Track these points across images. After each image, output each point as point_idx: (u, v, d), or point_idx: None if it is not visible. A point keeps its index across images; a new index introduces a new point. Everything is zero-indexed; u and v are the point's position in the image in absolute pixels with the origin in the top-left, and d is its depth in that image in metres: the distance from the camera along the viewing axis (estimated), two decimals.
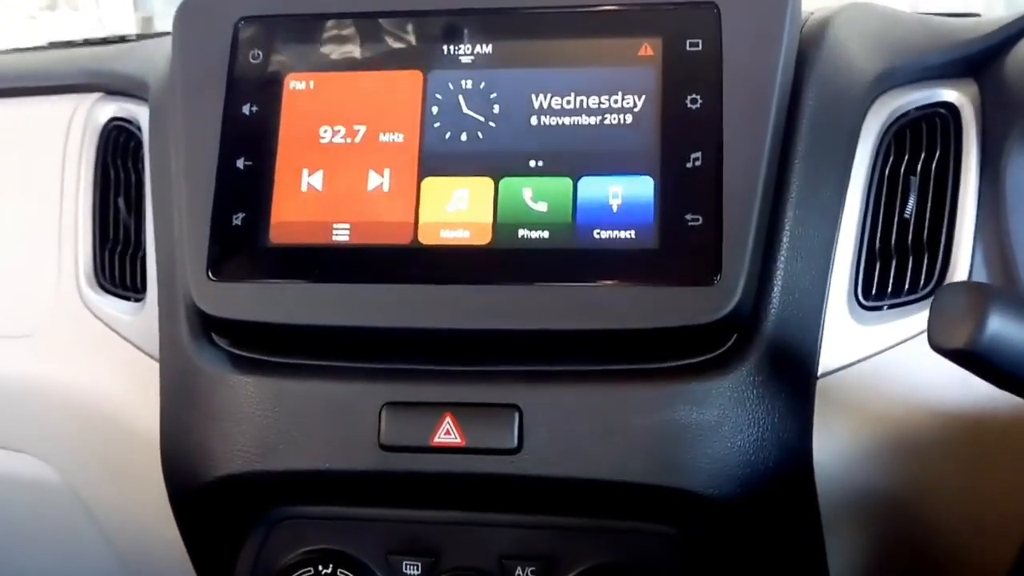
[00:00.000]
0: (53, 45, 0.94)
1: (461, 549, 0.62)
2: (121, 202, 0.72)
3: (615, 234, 0.59)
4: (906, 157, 0.64)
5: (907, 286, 0.61)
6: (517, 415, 0.58)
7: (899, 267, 0.62)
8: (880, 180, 0.63)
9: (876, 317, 0.61)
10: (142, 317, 0.67)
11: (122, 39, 0.89)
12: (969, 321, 0.46)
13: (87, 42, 0.91)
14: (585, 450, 0.57)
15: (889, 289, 0.61)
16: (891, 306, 0.61)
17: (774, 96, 0.59)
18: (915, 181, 0.63)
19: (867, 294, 0.61)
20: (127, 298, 0.70)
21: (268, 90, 0.64)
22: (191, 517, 0.66)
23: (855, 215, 0.62)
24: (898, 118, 0.65)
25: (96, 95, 0.76)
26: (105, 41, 0.89)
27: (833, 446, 0.59)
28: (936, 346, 0.47)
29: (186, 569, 0.68)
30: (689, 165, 0.58)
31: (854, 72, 0.64)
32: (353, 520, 0.64)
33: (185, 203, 0.63)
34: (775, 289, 0.58)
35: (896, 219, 0.63)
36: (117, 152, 0.73)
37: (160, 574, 0.71)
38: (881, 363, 0.60)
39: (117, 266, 0.71)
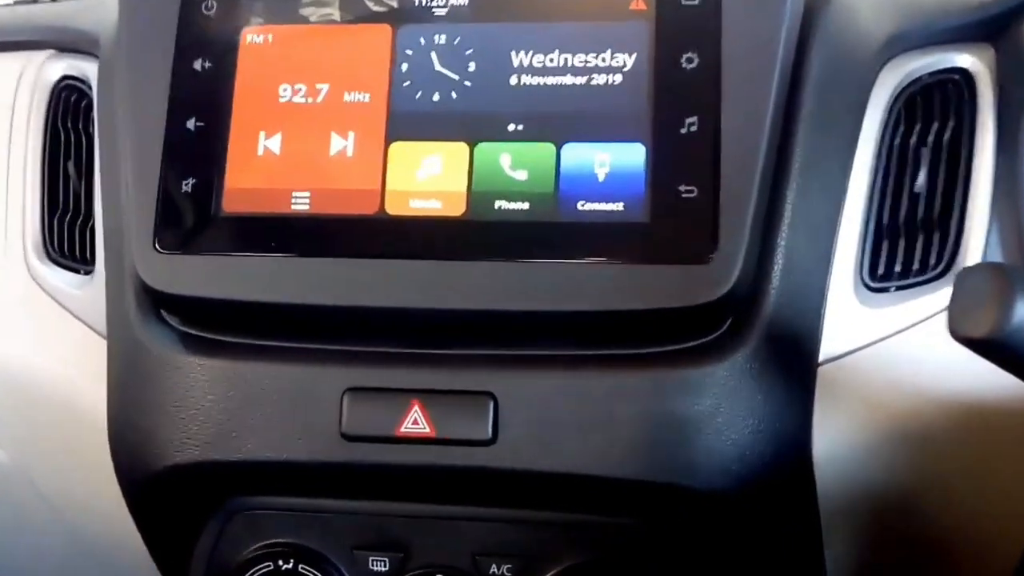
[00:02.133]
0: (18, 1, 0.89)
1: (432, 544, 0.59)
2: (71, 167, 0.68)
3: (601, 206, 0.55)
4: (917, 127, 0.60)
5: (916, 266, 0.58)
6: (491, 403, 0.54)
7: (908, 246, 0.58)
8: (889, 151, 0.60)
9: (883, 299, 0.57)
10: (91, 291, 0.64)
11: None
12: (994, 307, 0.42)
13: None
14: (565, 442, 0.54)
15: (897, 269, 0.58)
16: (899, 288, 0.58)
17: (777, 57, 0.55)
18: (926, 153, 0.60)
19: (873, 274, 0.58)
20: (77, 271, 0.66)
21: (222, 44, 0.59)
22: (143, 507, 0.62)
23: (862, 189, 0.59)
24: (909, 85, 0.61)
25: (47, 52, 0.72)
26: None
27: (834, 438, 0.56)
28: (958, 335, 0.44)
29: (146, 558, 0.65)
30: (683, 131, 0.55)
31: (863, 34, 0.60)
32: (316, 512, 0.60)
33: (131, 168, 0.59)
34: (775, 268, 0.55)
35: (906, 194, 0.59)
36: (68, 113, 0.69)
37: (122, 565, 0.68)
38: (887, 349, 0.56)
39: (67, 236, 0.67)
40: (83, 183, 0.67)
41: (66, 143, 0.69)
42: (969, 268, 0.45)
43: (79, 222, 0.67)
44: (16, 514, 0.71)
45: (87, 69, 0.69)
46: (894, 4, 0.62)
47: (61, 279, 0.65)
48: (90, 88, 0.69)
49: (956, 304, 0.44)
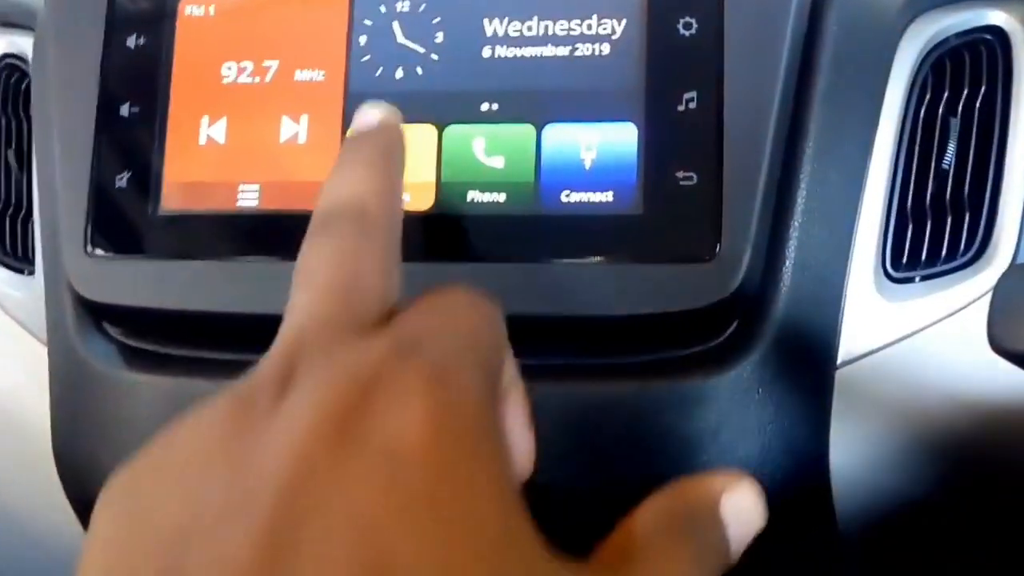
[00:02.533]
0: None
1: None
2: (11, 155, 0.63)
3: (588, 196, 0.49)
4: (945, 95, 0.54)
5: (944, 252, 0.53)
6: None
7: (935, 229, 0.53)
8: (914, 124, 0.54)
9: (907, 291, 0.52)
10: (30, 293, 0.59)
11: None
12: None
13: None
14: (553, 464, 0.48)
15: (923, 257, 0.53)
16: (925, 277, 0.53)
17: (789, 20, 0.49)
18: (955, 124, 0.54)
19: (897, 264, 0.53)
20: (20, 270, 0.61)
21: (157, 18, 0.54)
22: None
23: (884, 167, 0.53)
24: (936, 47, 0.55)
25: None
26: None
27: (854, 449, 0.52)
28: (999, 348, 0.40)
29: None
30: (681, 108, 0.49)
31: None
32: None
33: (59, 160, 0.54)
34: (787, 263, 0.50)
35: (933, 170, 0.54)
36: (8, 95, 0.64)
37: None
38: (912, 347, 0.51)
39: (8, 231, 0.62)
40: (24, 173, 0.62)
41: (7, 129, 0.64)
42: (1010, 270, 0.40)
43: (21, 216, 0.62)
44: None
45: (26, 45, 0.63)
46: None
47: (1, 279, 0.61)
48: (28, 66, 0.63)
49: (996, 313, 0.40)
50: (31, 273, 0.60)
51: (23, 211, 0.62)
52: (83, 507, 0.57)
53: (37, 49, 0.60)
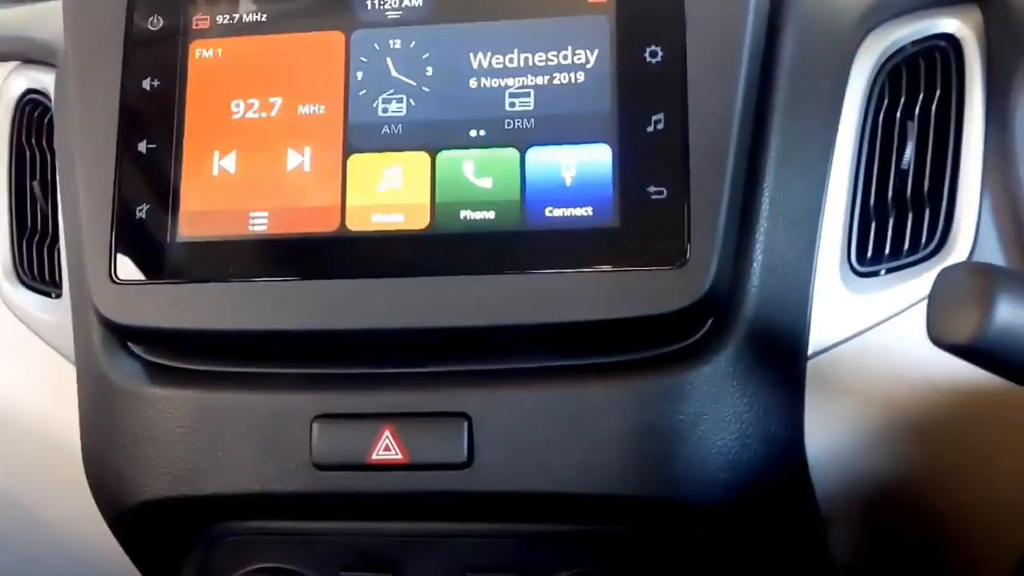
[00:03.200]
0: None
1: (421, 563, 0.58)
2: (36, 186, 0.66)
3: (570, 211, 0.52)
4: (902, 99, 0.57)
5: (907, 246, 0.55)
6: (466, 424, 0.52)
7: (897, 224, 0.56)
8: (874, 127, 0.57)
9: (872, 284, 0.55)
10: (59, 315, 0.62)
11: None
12: (974, 311, 0.40)
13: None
14: (544, 460, 0.52)
15: (886, 251, 0.56)
16: (889, 270, 0.55)
17: (745, 42, 0.52)
18: (913, 126, 0.57)
19: (862, 258, 0.56)
20: (48, 294, 0.64)
21: (170, 60, 0.57)
22: (126, 535, 0.61)
23: (846, 169, 0.56)
24: (892, 55, 0.58)
25: (13, 64, 0.69)
26: None
27: (828, 434, 0.54)
28: (937, 340, 0.42)
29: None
30: (650, 129, 0.52)
31: (840, 7, 0.57)
32: (302, 535, 0.59)
33: (83, 194, 0.57)
34: (754, 264, 0.53)
35: (893, 170, 0.57)
36: (31, 129, 0.67)
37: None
38: (879, 336, 0.54)
39: (36, 258, 0.65)
40: (49, 202, 0.65)
41: (31, 161, 0.66)
42: (947, 269, 0.43)
43: (47, 243, 0.65)
44: (5, 536, 0.70)
45: (48, 82, 0.67)
46: None
47: (30, 302, 0.64)
48: (51, 102, 0.66)
49: (934, 309, 0.42)
50: (58, 296, 0.63)
51: (48, 238, 0.65)
52: (113, 514, 0.59)
53: (59, 86, 0.64)
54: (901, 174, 0.57)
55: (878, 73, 0.58)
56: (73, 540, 0.67)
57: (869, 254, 0.56)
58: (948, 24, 0.58)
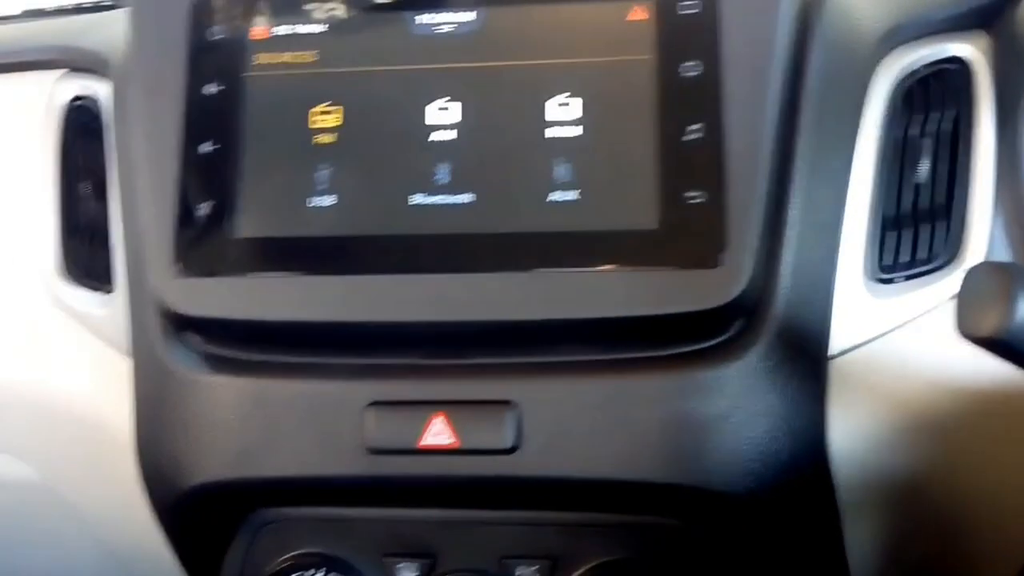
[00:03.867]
0: (27, 14, 0.88)
1: (460, 549, 0.60)
2: (86, 187, 0.68)
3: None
4: (917, 118, 0.60)
5: (923, 256, 0.58)
6: (513, 412, 0.55)
7: (914, 236, 0.59)
8: (891, 144, 0.60)
9: (891, 290, 0.58)
10: (112, 310, 0.64)
11: (96, 6, 0.83)
12: (998, 306, 0.43)
13: (59, 11, 0.85)
14: (587, 448, 0.54)
15: (904, 260, 0.58)
16: (907, 277, 0.58)
17: (777, 59, 0.55)
18: (927, 143, 0.60)
19: (881, 266, 0.58)
20: (97, 289, 0.66)
21: (233, 67, 0.59)
22: (173, 522, 0.63)
23: (866, 182, 0.59)
24: (907, 76, 0.61)
25: (59, 72, 0.72)
26: (79, 9, 0.84)
27: (849, 431, 0.57)
28: (964, 333, 0.44)
29: (177, 570, 0.66)
30: (688, 138, 0.55)
31: (860, 29, 0.60)
32: (344, 521, 0.61)
33: (148, 193, 0.59)
34: (784, 268, 0.55)
35: (909, 185, 0.59)
36: (80, 133, 0.69)
37: (153, 573, 0.68)
38: (898, 339, 0.57)
39: (86, 256, 0.67)
40: (98, 203, 0.67)
41: (81, 164, 0.68)
42: (974, 268, 0.45)
43: (97, 242, 0.67)
44: (48, 529, 0.71)
45: (98, 89, 0.69)
46: None
47: (81, 299, 0.65)
48: (100, 108, 0.68)
49: (962, 303, 0.44)
50: (108, 292, 0.65)
51: (98, 237, 0.66)
52: (164, 505, 0.61)
53: (118, 96, 0.66)
54: (917, 188, 0.59)
55: (894, 93, 0.61)
56: (110, 535, 0.69)
57: (887, 262, 0.58)
58: (959, 48, 0.61)
